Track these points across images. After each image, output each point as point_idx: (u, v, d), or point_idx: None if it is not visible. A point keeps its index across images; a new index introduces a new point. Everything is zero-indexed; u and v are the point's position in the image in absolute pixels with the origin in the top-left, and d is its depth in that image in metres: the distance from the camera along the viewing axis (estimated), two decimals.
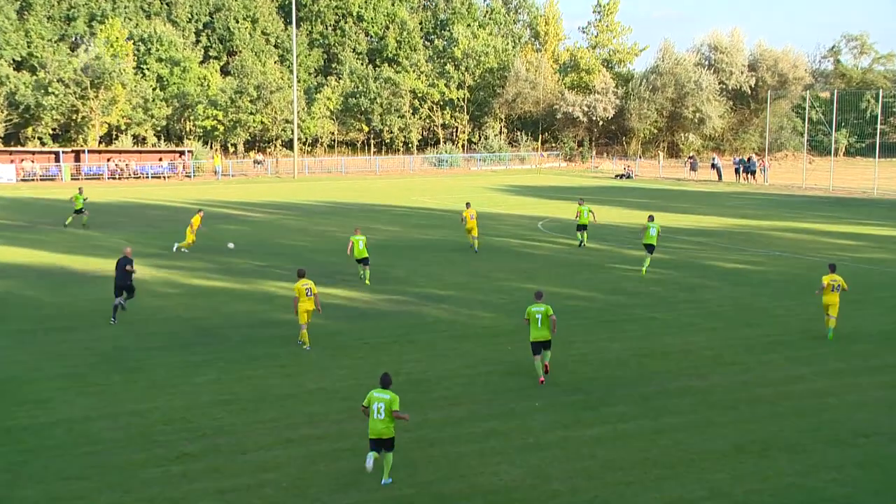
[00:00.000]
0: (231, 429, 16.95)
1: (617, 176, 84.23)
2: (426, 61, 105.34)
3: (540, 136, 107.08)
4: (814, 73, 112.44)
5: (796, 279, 31.84)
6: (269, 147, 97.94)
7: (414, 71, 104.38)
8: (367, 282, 30.45)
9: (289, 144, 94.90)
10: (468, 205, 39.15)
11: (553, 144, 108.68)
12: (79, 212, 45.26)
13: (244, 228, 46.37)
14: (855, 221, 49.11)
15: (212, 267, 34.04)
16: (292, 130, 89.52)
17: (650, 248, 32.81)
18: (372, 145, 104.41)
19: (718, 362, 21.33)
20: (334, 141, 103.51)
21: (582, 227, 39.13)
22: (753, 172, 77.76)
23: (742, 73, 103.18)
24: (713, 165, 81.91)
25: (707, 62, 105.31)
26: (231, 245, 31.93)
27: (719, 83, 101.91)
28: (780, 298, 28.70)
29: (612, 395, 18.88)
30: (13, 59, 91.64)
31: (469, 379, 20.05)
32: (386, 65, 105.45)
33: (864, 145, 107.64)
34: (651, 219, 33.49)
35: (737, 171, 79.61)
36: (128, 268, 24.88)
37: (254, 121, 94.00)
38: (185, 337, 23.58)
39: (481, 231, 42.61)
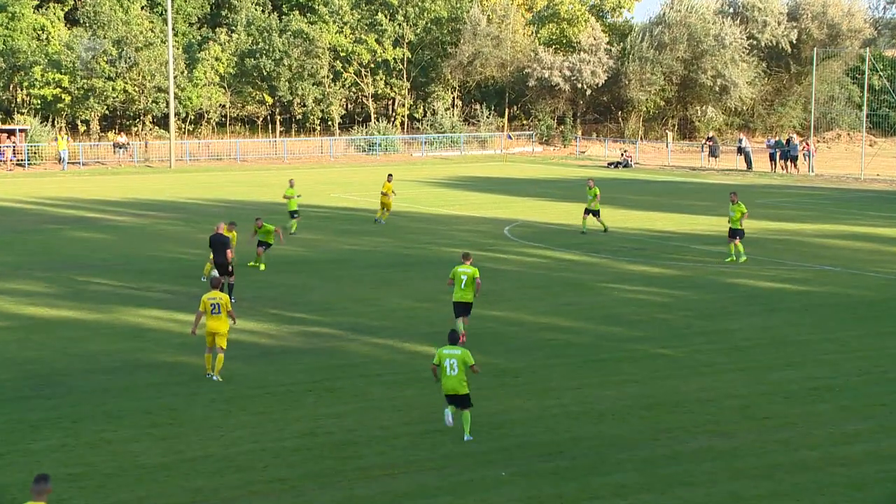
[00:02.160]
0: None
1: (610, 164, 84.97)
2: (351, 8, 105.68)
3: (506, 111, 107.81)
4: (876, 23, 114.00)
5: (851, 303, 32.39)
6: (136, 125, 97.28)
7: (335, 21, 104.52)
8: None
9: (163, 122, 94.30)
10: (390, 177, 48.64)
11: (524, 122, 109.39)
12: (294, 214, 46.37)
13: (102, 237, 45.97)
14: None
15: (56, 290, 33.70)
16: (167, 103, 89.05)
17: (735, 232, 38.29)
18: (278, 123, 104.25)
19: (747, 415, 21.63)
20: (225, 117, 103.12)
21: (592, 213, 45.46)
22: (794, 159, 78.97)
23: (779, 23, 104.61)
24: (740, 149, 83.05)
25: (732, 9, 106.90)
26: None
27: (748, 38, 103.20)
28: (829, 329, 29.16)
29: (606, 461, 19.01)
30: None
31: (411, 440, 20.08)
32: (296, 12, 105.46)
33: None
34: (734, 198, 38.96)
35: (772, 156, 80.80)
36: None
37: (113, 89, 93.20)
38: (16, 387, 23.27)
39: (428, 240, 42.71)
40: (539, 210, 54.60)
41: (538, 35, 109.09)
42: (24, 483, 17.79)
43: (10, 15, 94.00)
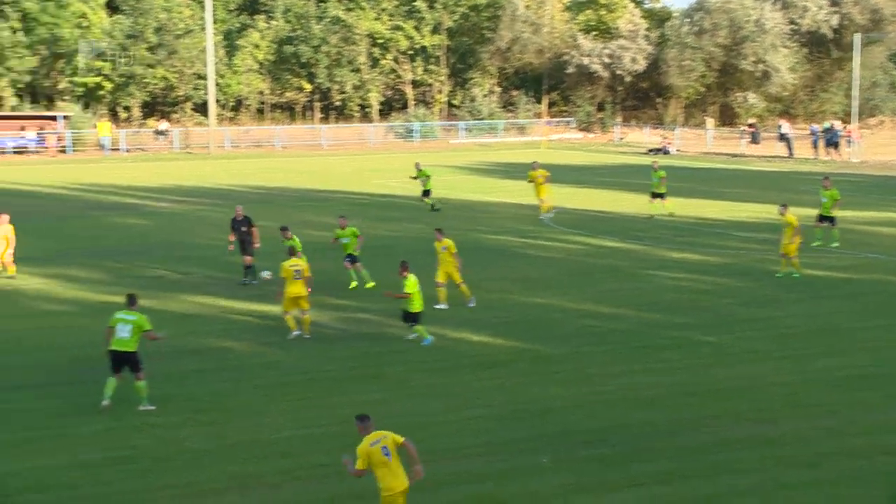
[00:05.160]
0: (129, 496, 16.90)
1: (650, 151, 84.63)
2: None
3: (545, 98, 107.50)
4: None
5: None
6: (176, 112, 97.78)
7: (373, 8, 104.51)
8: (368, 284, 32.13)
9: (202, 109, 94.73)
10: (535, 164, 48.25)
11: (563, 108, 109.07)
12: (426, 193, 49.35)
13: (144, 223, 46.26)
14: None
15: (99, 276, 33.94)
16: (207, 89, 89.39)
17: (825, 218, 38.72)
18: (317, 110, 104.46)
19: (792, 403, 21.51)
20: (264, 104, 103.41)
21: (657, 195, 46.17)
22: (836, 145, 78.39)
23: (821, 8, 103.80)
24: (781, 136, 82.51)
25: None
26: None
27: (789, 23, 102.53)
28: (875, 317, 28.93)
29: (648, 448, 18.97)
30: None
31: (454, 426, 20.12)
32: None
33: None
34: (827, 184, 39.35)
35: (814, 143, 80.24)
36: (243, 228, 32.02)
37: (154, 76, 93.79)
38: (65, 371, 23.49)
39: (468, 226, 42.73)
40: (579, 197, 54.41)
41: (577, 21, 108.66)
42: (69, 465, 18.04)
43: (57, 3, 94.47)
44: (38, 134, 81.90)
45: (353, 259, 32.53)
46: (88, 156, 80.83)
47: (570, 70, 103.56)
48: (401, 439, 14.71)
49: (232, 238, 33.34)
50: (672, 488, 17.20)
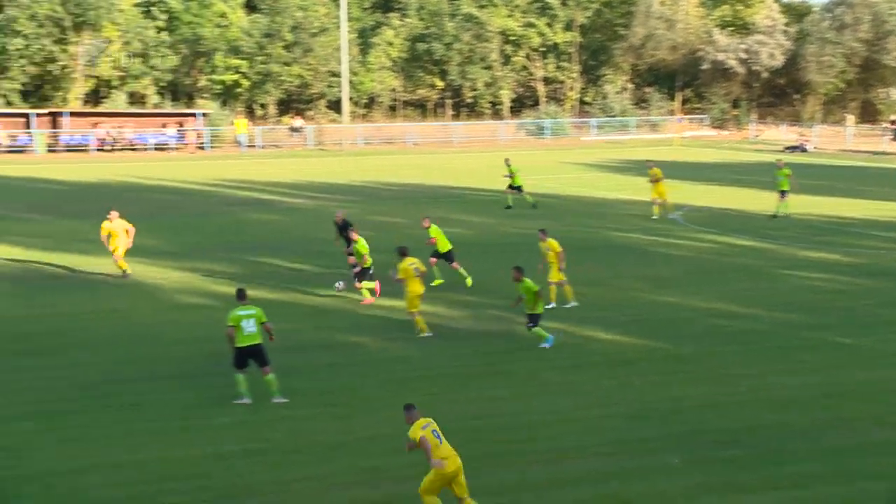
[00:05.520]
0: (261, 488, 17.19)
1: (786, 149, 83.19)
2: None
3: (678, 95, 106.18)
4: None
5: None
6: (310, 109, 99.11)
7: (506, 5, 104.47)
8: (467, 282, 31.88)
9: (336, 106, 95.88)
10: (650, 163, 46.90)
11: (697, 105, 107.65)
12: (517, 188, 49.21)
13: (279, 218, 46.96)
14: None
15: (236, 270, 34.54)
16: (341, 87, 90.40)
17: None
18: (448, 107, 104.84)
19: None
20: (397, 101, 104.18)
21: (782, 193, 45.10)
22: None
23: None
24: None
25: None
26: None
27: None
28: None
29: (785, 450, 18.60)
30: None
31: (582, 424, 20.01)
32: None
33: None
34: None
35: None
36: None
37: (289, 74, 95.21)
38: (200, 363, 23.97)
39: (598, 224, 42.47)
40: (712, 195, 53.64)
41: (712, 17, 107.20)
42: (203, 455, 18.38)
43: (200, 3, 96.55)
44: (177, 131, 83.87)
45: (449, 258, 32.34)
46: (225, 152, 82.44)
47: (705, 66, 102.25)
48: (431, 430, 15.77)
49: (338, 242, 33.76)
50: (808, 492, 16.84)
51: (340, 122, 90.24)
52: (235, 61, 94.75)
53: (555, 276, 29.07)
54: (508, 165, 49.64)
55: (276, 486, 17.28)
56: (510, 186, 49.36)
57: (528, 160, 74.45)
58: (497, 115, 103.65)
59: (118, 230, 33.15)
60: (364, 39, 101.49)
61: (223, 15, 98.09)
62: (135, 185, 59.47)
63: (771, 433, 19.44)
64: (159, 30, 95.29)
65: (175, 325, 27.59)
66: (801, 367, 23.60)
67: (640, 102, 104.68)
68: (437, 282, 31.89)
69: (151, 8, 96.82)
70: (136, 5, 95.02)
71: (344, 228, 32.95)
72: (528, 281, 24.56)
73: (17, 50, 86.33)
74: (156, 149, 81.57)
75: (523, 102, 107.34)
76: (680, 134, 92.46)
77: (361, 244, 29.95)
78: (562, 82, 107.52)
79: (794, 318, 27.89)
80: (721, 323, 27.42)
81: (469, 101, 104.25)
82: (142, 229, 42.73)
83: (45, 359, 24.59)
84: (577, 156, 77.00)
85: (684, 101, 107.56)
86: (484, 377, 23.03)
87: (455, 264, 32.28)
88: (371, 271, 29.96)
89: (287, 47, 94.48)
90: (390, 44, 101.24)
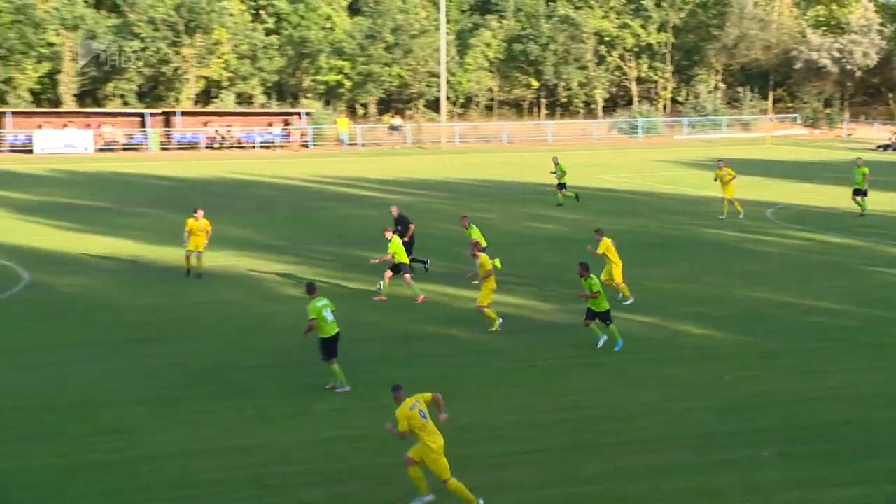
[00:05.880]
0: (361, 472, 17.38)
1: (879, 147, 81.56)
2: None
3: (770, 94, 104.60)
4: None
5: None
6: (409, 108, 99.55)
7: (601, 6, 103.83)
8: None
9: (434, 105, 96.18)
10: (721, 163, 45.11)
11: (789, 105, 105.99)
12: (562, 185, 48.87)
13: (378, 214, 47.19)
14: None
15: (339, 263, 34.86)
16: (439, 87, 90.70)
17: None
18: (543, 106, 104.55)
19: None
20: (493, 101, 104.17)
21: (860, 192, 43.56)
22: None
23: None
24: None
25: None
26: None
27: None
28: None
29: (875, 446, 18.32)
30: None
31: (672, 416, 19.89)
32: None
33: None
34: None
35: None
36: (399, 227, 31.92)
37: (389, 74, 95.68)
38: (303, 353, 24.23)
39: (689, 221, 42.11)
40: (803, 193, 52.80)
41: (805, 17, 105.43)
42: (306, 441, 18.62)
43: (307, 6, 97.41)
44: (282, 129, 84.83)
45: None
46: (328, 150, 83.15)
47: (798, 66, 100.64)
48: (429, 395, 16.21)
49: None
50: None
51: (438, 121, 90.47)
52: (338, 62, 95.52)
53: (617, 274, 28.70)
54: (557, 164, 49.29)
55: (375, 469, 17.46)
56: (558, 185, 49.00)
57: (620, 158, 74.05)
58: (590, 113, 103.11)
59: (200, 229, 32.58)
60: (462, 41, 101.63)
61: (329, 18, 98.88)
62: (242, 181, 60.33)
63: (862, 428, 19.15)
64: (267, 32, 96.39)
65: (280, 315, 27.93)
66: (892, 363, 23.18)
67: (732, 101, 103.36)
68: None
69: (260, 11, 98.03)
70: (245, 10, 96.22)
71: (400, 223, 33.06)
72: (593, 277, 24.24)
73: (134, 52, 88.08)
74: (262, 146, 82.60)
75: (616, 101, 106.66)
76: (771, 133, 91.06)
77: (394, 241, 30.12)
78: (655, 82, 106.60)
79: (884, 315, 27.38)
80: (811, 319, 27.03)
81: (563, 100, 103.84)
82: (247, 224, 43.58)
83: (159, 346, 25.13)
84: (669, 154, 76.28)
85: (776, 100, 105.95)
86: (575, 369, 23.00)
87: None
88: (402, 269, 29.95)
89: (388, 48, 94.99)
90: (488, 45, 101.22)
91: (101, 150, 78.62)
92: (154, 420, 19.92)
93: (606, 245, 28.72)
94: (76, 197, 52.55)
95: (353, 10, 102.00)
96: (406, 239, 32.50)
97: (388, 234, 30.54)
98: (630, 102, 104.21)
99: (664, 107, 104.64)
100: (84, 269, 34.20)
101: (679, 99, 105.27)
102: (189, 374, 22.79)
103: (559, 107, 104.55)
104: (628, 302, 28.46)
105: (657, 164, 69.22)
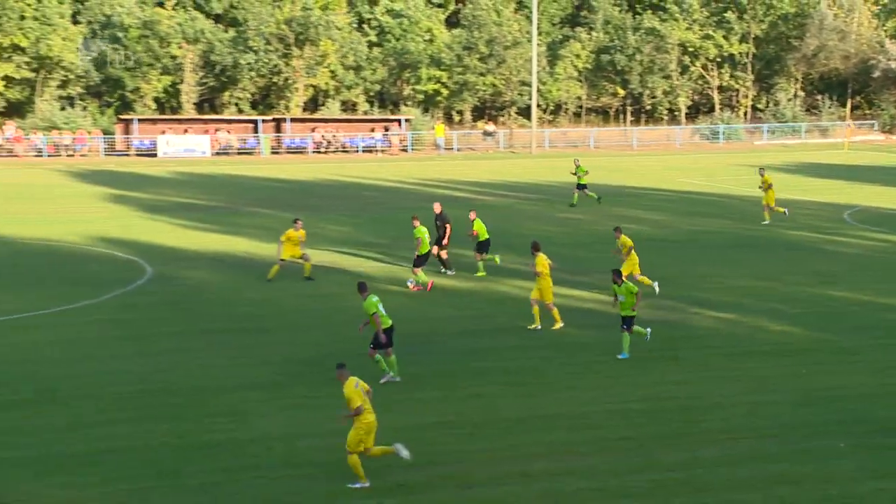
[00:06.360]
0: (455, 456, 17.45)
1: None
2: (700, 6, 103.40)
3: (849, 102, 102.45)
4: None
5: None
6: (502, 115, 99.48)
7: (685, 18, 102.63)
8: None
9: (525, 112, 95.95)
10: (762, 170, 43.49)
11: (866, 112, 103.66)
12: (582, 186, 49.06)
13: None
14: None
15: (434, 262, 34.95)
16: (530, 95, 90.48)
17: None
18: (628, 113, 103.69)
19: None
20: (581, 108, 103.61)
21: None
22: None
23: None
24: None
25: None
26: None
27: None
28: None
29: None
30: (213, 13, 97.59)
31: (751, 408, 19.62)
32: (649, 12, 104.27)
33: None
34: None
35: None
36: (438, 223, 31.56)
37: (484, 83, 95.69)
38: (402, 343, 24.30)
39: (769, 222, 41.57)
40: (881, 196, 51.63)
41: (884, 27, 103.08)
42: (413, 426, 18.72)
43: (409, 20, 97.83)
44: (383, 135, 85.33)
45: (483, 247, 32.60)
46: (425, 154, 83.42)
47: (876, 74, 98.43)
48: (367, 387, 16.38)
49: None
50: None
51: (529, 127, 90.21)
52: (437, 72, 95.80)
53: (636, 268, 28.48)
54: (578, 166, 49.03)
55: (464, 454, 17.50)
56: (578, 185, 48.76)
57: (702, 163, 73.14)
58: (674, 120, 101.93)
59: (297, 238, 31.81)
60: (553, 52, 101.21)
61: (429, 30, 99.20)
62: (345, 183, 60.84)
63: None
64: (370, 44, 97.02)
65: None
66: None
67: (811, 109, 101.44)
68: (479, 273, 32.27)
69: (363, 25, 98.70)
70: (350, 23, 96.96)
71: (439, 219, 32.90)
72: (628, 283, 23.47)
73: (248, 64, 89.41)
74: (364, 151, 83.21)
75: (699, 108, 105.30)
76: (848, 138, 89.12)
77: (420, 230, 30.50)
78: (736, 90, 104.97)
79: None
80: (888, 317, 26.46)
81: (648, 107, 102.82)
82: (350, 223, 44.00)
83: (269, 336, 25.49)
84: (749, 159, 75.07)
85: (854, 108, 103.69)
86: (658, 362, 22.80)
87: (480, 255, 32.45)
88: (426, 260, 30.34)
89: (482, 59, 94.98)
90: (577, 56, 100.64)
91: (218, 154, 79.91)
92: (264, 404, 20.22)
93: (624, 241, 28.84)
94: (194, 197, 53.51)
95: (451, 23, 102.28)
96: (445, 241, 32.52)
97: (416, 223, 31.02)
98: (712, 109, 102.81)
99: (745, 114, 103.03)
100: (202, 264, 34.81)
101: (759, 106, 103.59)
102: (297, 362, 23.08)
103: (644, 113, 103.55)
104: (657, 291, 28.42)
105: (738, 168, 68.20)
